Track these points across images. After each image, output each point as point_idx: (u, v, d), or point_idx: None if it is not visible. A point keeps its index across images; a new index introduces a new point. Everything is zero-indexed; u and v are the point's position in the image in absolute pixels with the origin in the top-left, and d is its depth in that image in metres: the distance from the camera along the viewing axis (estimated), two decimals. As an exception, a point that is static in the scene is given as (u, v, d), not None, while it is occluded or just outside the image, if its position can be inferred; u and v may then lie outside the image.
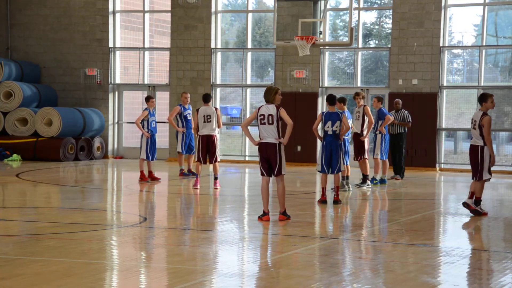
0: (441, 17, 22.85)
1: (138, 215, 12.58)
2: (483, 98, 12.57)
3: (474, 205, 12.60)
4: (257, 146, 11.63)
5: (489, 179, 12.66)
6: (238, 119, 25.85)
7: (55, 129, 23.79)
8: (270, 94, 11.46)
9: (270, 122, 11.37)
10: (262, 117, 11.40)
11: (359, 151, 16.90)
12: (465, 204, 12.70)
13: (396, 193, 16.61)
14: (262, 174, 11.64)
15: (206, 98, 16.46)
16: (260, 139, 11.55)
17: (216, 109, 16.48)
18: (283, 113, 11.41)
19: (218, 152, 16.36)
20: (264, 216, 11.66)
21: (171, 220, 12.40)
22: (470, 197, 12.71)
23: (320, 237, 10.70)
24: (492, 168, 12.66)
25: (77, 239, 9.95)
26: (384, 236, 10.86)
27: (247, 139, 21.27)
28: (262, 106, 11.53)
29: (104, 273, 8.05)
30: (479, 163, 12.46)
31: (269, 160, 11.50)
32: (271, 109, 11.40)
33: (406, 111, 19.21)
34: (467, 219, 12.40)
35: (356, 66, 23.96)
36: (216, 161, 16.27)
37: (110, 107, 26.00)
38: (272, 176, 11.65)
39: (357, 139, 16.90)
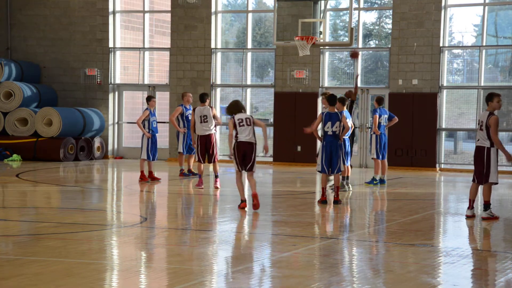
0: (441, 17, 22.85)
1: (138, 215, 12.58)
2: (489, 98, 12.16)
3: (486, 214, 12.17)
4: (236, 146, 13.03)
5: (496, 183, 12.19)
6: (238, 119, 25.81)
7: (55, 129, 23.79)
8: (240, 107, 13.27)
9: (248, 123, 13.08)
10: (240, 120, 13.11)
11: None
12: (483, 219, 12.17)
13: (396, 193, 16.61)
14: (238, 169, 13.12)
15: (202, 98, 16.54)
16: (237, 139, 13.05)
17: (211, 107, 16.60)
18: (255, 119, 13.26)
19: (216, 151, 16.49)
20: (242, 203, 13.18)
21: (171, 220, 12.41)
22: (471, 207, 12.31)
23: (320, 237, 10.70)
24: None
25: (77, 239, 9.95)
26: (384, 236, 10.86)
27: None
28: (234, 115, 13.16)
29: (104, 273, 8.06)
30: (486, 165, 12.06)
31: (245, 156, 13.03)
32: (246, 115, 13.21)
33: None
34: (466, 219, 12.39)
35: (356, 66, 23.95)
36: (215, 160, 16.40)
37: (110, 107, 26.00)
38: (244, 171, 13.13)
39: None
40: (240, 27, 26.28)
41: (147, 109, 17.62)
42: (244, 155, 13.04)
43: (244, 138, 13.03)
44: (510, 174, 21.54)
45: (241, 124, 13.09)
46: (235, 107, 13.28)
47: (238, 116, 13.17)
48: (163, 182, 18.00)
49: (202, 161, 16.31)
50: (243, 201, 13.21)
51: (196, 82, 24.96)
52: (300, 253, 9.24)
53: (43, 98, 25.29)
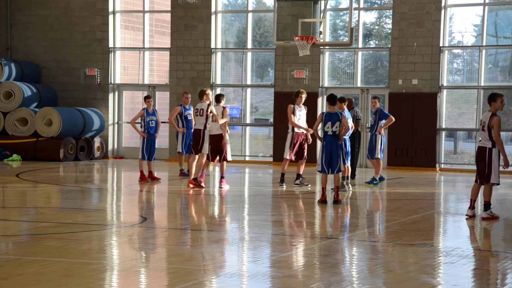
0: (441, 17, 22.85)
1: (138, 215, 12.58)
2: (492, 98, 12.11)
3: (486, 214, 12.18)
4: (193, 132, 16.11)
5: (497, 184, 12.14)
6: (238, 119, 25.83)
7: (55, 129, 23.79)
8: (200, 95, 16.08)
9: (201, 114, 16.00)
10: (197, 110, 16.14)
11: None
12: (483, 219, 12.19)
13: (396, 193, 16.62)
14: (191, 152, 16.34)
15: (218, 98, 16.48)
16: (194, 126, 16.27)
17: (224, 108, 16.35)
18: (212, 109, 15.99)
19: (227, 151, 16.38)
20: (191, 180, 16.10)
21: (171, 220, 12.41)
22: (472, 207, 12.31)
23: (320, 237, 10.70)
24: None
25: (77, 239, 9.95)
26: (384, 236, 10.86)
27: (247, 138, 24.00)
28: (198, 103, 16.07)
29: (104, 273, 8.06)
30: (487, 166, 12.02)
31: (197, 141, 15.98)
32: (203, 106, 16.00)
33: (357, 109, 18.91)
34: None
35: (356, 66, 23.96)
36: (225, 159, 16.28)
37: (110, 107, 26.00)
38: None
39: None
40: (240, 27, 26.28)
41: (143, 109, 17.69)
42: (196, 140, 16.07)
43: (196, 126, 16.14)
44: (510, 174, 21.54)
45: (196, 113, 16.15)
46: (198, 95, 16.16)
47: (198, 105, 16.14)
48: (163, 182, 18.00)
49: (212, 160, 16.28)
50: (189, 175, 16.38)
51: (196, 82, 24.96)
52: (300, 253, 9.24)
53: (43, 98, 25.29)
